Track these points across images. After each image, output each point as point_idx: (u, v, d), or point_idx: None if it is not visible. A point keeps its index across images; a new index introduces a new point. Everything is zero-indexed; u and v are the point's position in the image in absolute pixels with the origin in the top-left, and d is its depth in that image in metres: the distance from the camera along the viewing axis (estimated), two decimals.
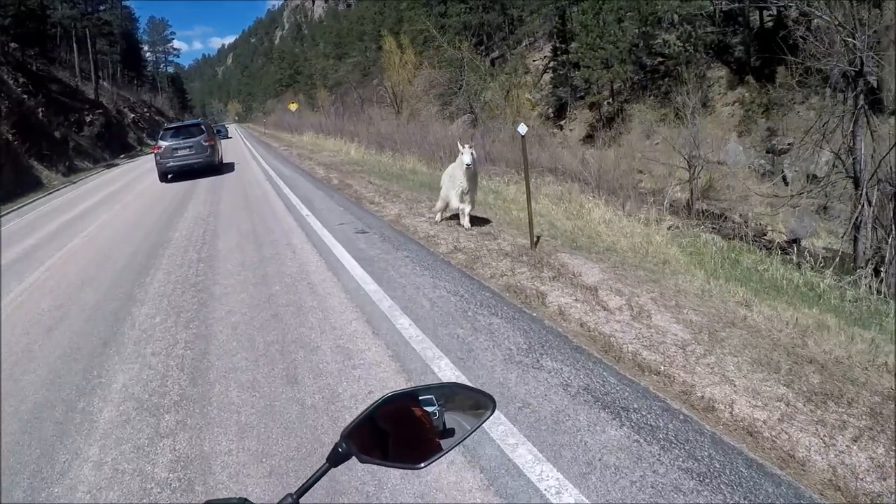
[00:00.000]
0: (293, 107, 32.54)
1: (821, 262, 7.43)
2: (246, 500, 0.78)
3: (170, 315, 4.51)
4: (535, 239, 5.55)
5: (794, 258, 8.09)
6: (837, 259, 7.49)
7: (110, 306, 4.97)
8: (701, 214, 13.96)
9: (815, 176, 15.65)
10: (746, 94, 19.78)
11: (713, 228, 9.86)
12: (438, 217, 7.11)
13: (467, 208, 6.48)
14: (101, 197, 14.73)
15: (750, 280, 5.66)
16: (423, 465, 0.85)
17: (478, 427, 0.90)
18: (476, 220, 6.80)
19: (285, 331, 3.89)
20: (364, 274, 4.96)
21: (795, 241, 14.16)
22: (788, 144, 17.12)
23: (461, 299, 4.17)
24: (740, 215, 16.69)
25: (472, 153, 6.08)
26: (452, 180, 6.43)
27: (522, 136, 5.25)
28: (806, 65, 8.67)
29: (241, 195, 11.44)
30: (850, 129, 7.56)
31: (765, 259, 6.96)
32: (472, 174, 6.20)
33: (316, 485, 0.80)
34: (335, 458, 0.81)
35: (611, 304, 4.15)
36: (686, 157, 14.42)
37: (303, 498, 0.79)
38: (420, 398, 0.87)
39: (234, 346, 3.73)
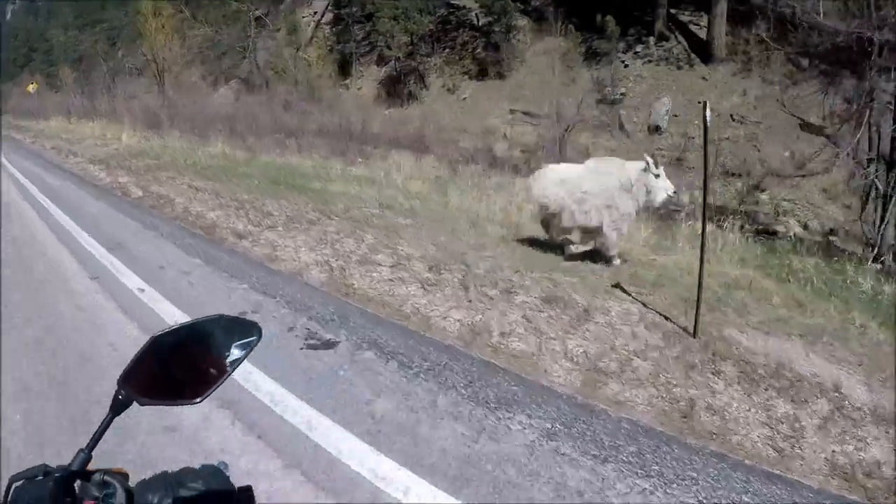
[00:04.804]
0: (32, 88, 27.83)
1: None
2: (45, 465, 0.74)
3: None
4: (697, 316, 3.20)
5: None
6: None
7: None
8: None
9: (658, 127, 15.94)
10: (563, 44, 19.43)
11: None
12: (576, 249, 4.94)
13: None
14: None
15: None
16: (199, 399, 0.83)
17: (247, 355, 0.89)
18: None
19: None
20: None
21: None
22: (621, 94, 17.22)
23: None
24: None
25: None
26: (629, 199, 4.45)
27: (705, 121, 2.72)
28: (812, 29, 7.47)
29: None
30: (869, 101, 6.60)
31: (821, 262, 5.80)
32: None
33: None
34: (116, 407, 0.79)
35: None
36: (554, 112, 13.24)
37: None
38: (189, 333, 0.86)
39: None
